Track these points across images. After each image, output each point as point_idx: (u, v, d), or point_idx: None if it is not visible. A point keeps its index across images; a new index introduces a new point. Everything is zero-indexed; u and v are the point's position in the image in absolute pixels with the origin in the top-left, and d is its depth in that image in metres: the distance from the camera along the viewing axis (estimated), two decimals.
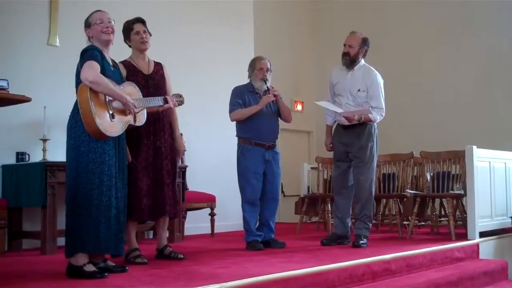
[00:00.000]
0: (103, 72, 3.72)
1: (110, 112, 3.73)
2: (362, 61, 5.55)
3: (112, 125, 3.72)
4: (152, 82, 4.57)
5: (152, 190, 4.46)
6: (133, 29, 4.60)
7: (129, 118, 3.89)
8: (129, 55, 4.66)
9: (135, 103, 3.89)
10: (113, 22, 3.89)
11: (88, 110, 3.58)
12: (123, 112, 3.84)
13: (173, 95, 4.51)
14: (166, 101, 4.37)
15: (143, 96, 4.20)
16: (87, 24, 3.89)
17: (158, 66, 4.72)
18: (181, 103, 4.57)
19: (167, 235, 6.26)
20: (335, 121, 5.71)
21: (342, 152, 5.58)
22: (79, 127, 3.66)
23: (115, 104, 3.78)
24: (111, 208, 3.72)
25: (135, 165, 4.40)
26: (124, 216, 3.93)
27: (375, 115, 5.42)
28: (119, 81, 3.94)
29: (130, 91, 3.98)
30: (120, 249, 3.84)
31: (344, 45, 5.51)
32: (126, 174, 4.00)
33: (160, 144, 4.52)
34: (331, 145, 5.73)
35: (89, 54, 3.71)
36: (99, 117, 3.62)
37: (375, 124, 5.53)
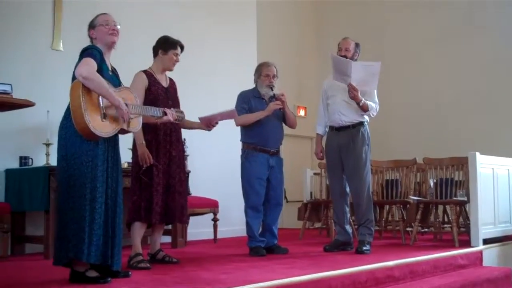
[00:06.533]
0: (100, 73, 3.61)
1: (102, 112, 3.59)
2: None
3: (102, 124, 3.58)
4: (170, 94, 4.75)
5: (165, 196, 4.61)
6: (176, 48, 4.77)
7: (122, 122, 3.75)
8: (149, 66, 4.80)
9: (128, 109, 3.71)
10: (118, 26, 3.85)
11: (78, 106, 3.47)
12: (116, 114, 3.68)
13: (173, 109, 4.48)
14: (164, 114, 4.33)
15: (164, 107, 4.42)
16: (92, 26, 3.85)
17: (172, 81, 4.92)
18: (181, 119, 4.58)
19: (170, 240, 6.33)
20: (326, 131, 5.75)
21: (336, 156, 5.56)
22: (70, 128, 3.57)
23: (108, 105, 3.62)
24: (102, 215, 3.62)
25: (158, 168, 4.54)
26: (115, 225, 3.75)
27: (373, 105, 5.46)
28: (116, 86, 3.83)
29: (126, 96, 3.82)
30: (106, 258, 3.64)
31: (340, 49, 5.56)
32: (121, 182, 3.87)
33: (175, 153, 4.71)
34: (321, 153, 5.77)
35: (88, 52, 3.65)
36: (89, 114, 3.50)
37: (367, 127, 5.56)
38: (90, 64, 3.57)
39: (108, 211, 3.70)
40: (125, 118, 3.67)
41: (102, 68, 3.69)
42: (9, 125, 5.60)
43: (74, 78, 3.62)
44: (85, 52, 3.66)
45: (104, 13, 3.91)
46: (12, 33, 5.89)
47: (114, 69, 3.96)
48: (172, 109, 4.45)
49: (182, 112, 4.61)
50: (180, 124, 4.65)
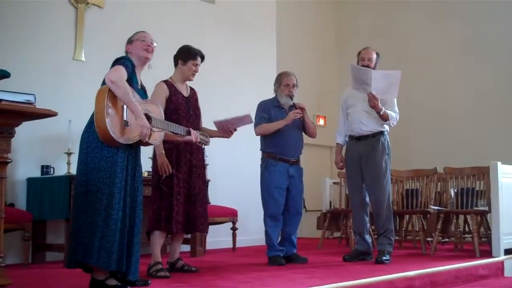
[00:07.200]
0: (129, 84, 3.65)
1: (124, 119, 3.59)
2: None
3: (122, 131, 3.58)
4: (191, 104, 4.77)
5: (186, 205, 4.61)
6: (195, 59, 4.79)
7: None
8: (170, 76, 4.83)
9: (150, 122, 3.69)
10: (155, 44, 3.93)
11: (102, 109, 3.49)
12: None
13: (199, 132, 4.48)
14: (189, 133, 4.31)
15: (185, 116, 4.57)
16: (129, 41, 3.93)
17: (193, 90, 4.93)
18: (205, 143, 4.57)
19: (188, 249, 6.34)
20: (346, 141, 5.74)
21: (355, 165, 5.55)
22: (93, 133, 3.59)
23: (132, 115, 3.62)
24: (118, 222, 3.60)
25: (178, 177, 4.55)
26: (133, 234, 3.73)
27: (393, 114, 5.44)
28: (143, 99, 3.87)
29: (151, 109, 3.84)
30: (121, 265, 3.61)
31: (363, 58, 5.54)
32: (141, 192, 3.86)
33: (195, 162, 4.73)
34: (341, 163, 5.76)
35: (121, 62, 3.71)
36: (111, 119, 3.51)
37: (387, 136, 5.55)
38: (120, 72, 3.63)
39: (126, 219, 3.69)
40: (143, 131, 3.62)
41: (132, 80, 3.73)
42: (32, 135, 5.65)
43: (103, 84, 3.65)
44: (118, 61, 3.73)
45: (143, 31, 4.00)
46: (35, 44, 5.97)
47: (143, 86, 3.99)
48: (197, 131, 4.45)
49: (207, 136, 4.59)
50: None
